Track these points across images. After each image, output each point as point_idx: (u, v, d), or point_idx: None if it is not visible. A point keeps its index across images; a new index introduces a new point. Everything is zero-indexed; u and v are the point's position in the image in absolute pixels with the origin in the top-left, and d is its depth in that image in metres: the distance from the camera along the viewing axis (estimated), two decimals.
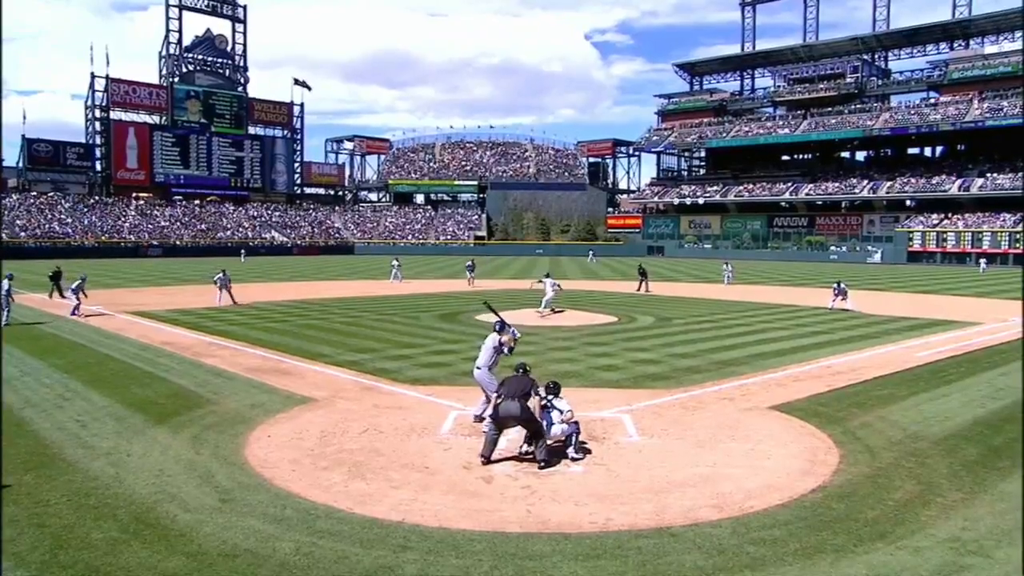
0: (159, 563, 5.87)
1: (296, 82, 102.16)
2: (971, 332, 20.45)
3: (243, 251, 75.43)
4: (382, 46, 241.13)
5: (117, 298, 28.63)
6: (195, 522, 6.68)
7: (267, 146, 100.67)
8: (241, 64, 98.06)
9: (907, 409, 11.20)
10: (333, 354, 15.92)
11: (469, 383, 11.30)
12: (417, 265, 57.74)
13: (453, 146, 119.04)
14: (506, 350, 10.29)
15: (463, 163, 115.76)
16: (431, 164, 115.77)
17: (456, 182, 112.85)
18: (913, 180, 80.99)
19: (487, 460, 8.47)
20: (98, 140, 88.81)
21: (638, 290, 34.35)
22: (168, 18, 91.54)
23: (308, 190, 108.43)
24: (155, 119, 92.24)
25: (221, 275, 26.95)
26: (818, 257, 79.48)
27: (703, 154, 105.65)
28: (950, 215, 76.32)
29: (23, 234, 72.72)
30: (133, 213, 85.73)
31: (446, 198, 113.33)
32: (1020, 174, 73.16)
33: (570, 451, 8.71)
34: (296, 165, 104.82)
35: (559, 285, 25.26)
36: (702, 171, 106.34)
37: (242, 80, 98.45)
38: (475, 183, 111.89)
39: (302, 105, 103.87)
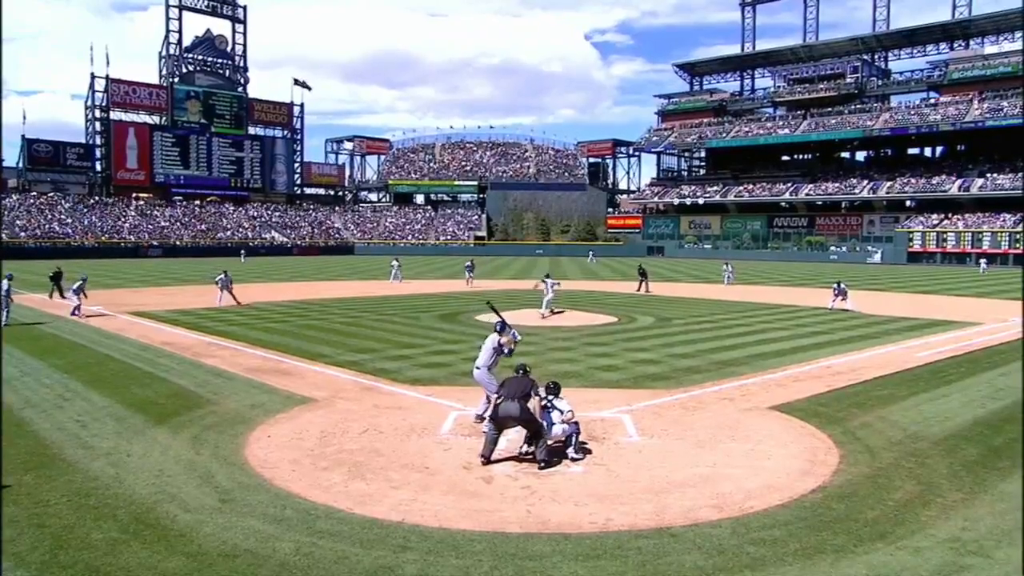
0: (159, 563, 5.87)
1: (296, 82, 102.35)
2: (971, 332, 20.45)
3: (243, 251, 75.45)
4: (382, 46, 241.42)
5: (117, 298, 28.63)
6: (195, 522, 6.68)
7: (267, 146, 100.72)
8: (241, 64, 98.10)
9: (907, 409, 11.20)
10: (333, 354, 15.92)
11: (469, 383, 11.30)
12: (417, 265, 57.75)
13: (453, 146, 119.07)
14: (506, 351, 10.29)
15: (463, 163, 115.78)
16: (431, 164, 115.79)
17: (456, 182, 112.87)
18: (913, 180, 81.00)
19: (487, 460, 8.47)
20: (98, 140, 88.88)
21: (638, 290, 34.35)
22: (168, 18, 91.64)
23: (308, 190, 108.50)
24: (155, 119, 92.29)
25: (222, 276, 26.97)
26: (818, 257, 79.49)
27: (703, 154, 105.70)
28: (950, 215, 76.34)
29: (23, 234, 72.73)
30: (133, 213, 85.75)
31: (446, 198, 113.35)
32: (1020, 174, 73.17)
33: (570, 451, 8.71)
34: (296, 165, 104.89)
35: (558, 284, 25.27)
36: (702, 171, 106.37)
37: (242, 80, 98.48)
38: (475, 183, 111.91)
39: (302, 105, 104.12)
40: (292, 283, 40.19)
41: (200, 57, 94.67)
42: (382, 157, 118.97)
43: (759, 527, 6.68)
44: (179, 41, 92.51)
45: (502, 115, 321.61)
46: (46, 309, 24.52)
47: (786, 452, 9.03)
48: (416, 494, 7.49)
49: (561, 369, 14.02)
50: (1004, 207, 72.76)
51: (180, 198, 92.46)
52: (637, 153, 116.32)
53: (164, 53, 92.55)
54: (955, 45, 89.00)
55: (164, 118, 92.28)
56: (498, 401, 8.60)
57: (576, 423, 8.85)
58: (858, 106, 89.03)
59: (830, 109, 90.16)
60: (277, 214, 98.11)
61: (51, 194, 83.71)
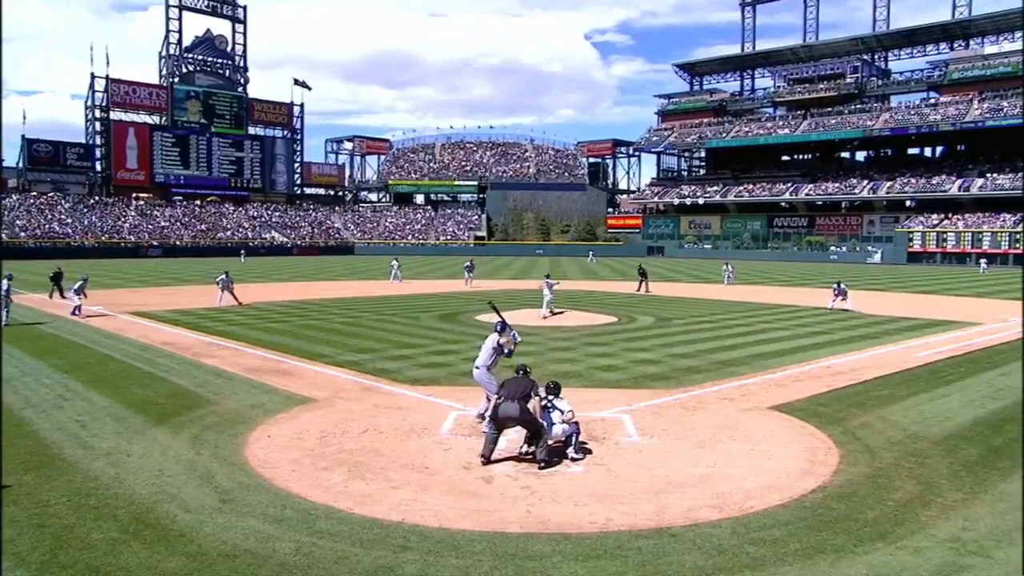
0: (159, 563, 5.87)
1: (296, 82, 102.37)
2: (971, 332, 20.44)
3: (243, 251, 75.48)
4: (382, 46, 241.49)
5: (117, 298, 28.63)
6: (195, 522, 6.68)
7: (267, 146, 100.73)
8: (241, 64, 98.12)
9: (907, 409, 11.20)
10: (333, 354, 15.92)
11: (469, 383, 11.30)
12: (417, 265, 57.75)
13: (453, 146, 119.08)
14: (506, 351, 10.29)
15: (463, 163, 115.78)
16: (431, 164, 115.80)
17: (456, 182, 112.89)
18: (913, 180, 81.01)
19: (487, 460, 8.47)
20: (98, 140, 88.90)
21: (638, 290, 34.35)
22: (168, 18, 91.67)
23: (308, 190, 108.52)
24: (155, 119, 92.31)
25: (224, 276, 26.97)
26: (818, 257, 79.50)
27: (703, 154, 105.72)
28: (950, 215, 76.35)
29: (23, 234, 72.73)
30: (133, 213, 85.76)
31: (446, 198, 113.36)
32: (1020, 174, 73.18)
33: (570, 451, 8.71)
34: (296, 165, 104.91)
35: (556, 284, 25.23)
36: (702, 171, 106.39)
37: (242, 80, 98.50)
38: (475, 183, 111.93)
39: (302, 105, 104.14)
40: (292, 283, 40.19)
41: (200, 57, 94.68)
42: (382, 157, 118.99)
43: (759, 527, 6.68)
44: (179, 41, 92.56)
45: (502, 115, 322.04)
46: (46, 309, 24.52)
47: (786, 452, 9.03)
48: (416, 494, 7.49)
49: (561, 369, 14.02)
50: (1004, 207, 72.76)
51: (180, 198, 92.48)
52: (637, 153, 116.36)
53: (164, 53, 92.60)
54: (955, 45, 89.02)
55: (164, 118, 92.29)
56: (498, 402, 8.60)
57: (576, 423, 8.85)
58: (858, 106, 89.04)
59: (830, 109, 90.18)
60: (277, 214, 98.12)
61: (51, 194, 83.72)
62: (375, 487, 7.71)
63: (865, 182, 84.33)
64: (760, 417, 10.79)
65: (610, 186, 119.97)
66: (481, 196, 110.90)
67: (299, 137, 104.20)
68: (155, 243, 79.60)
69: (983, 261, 63.57)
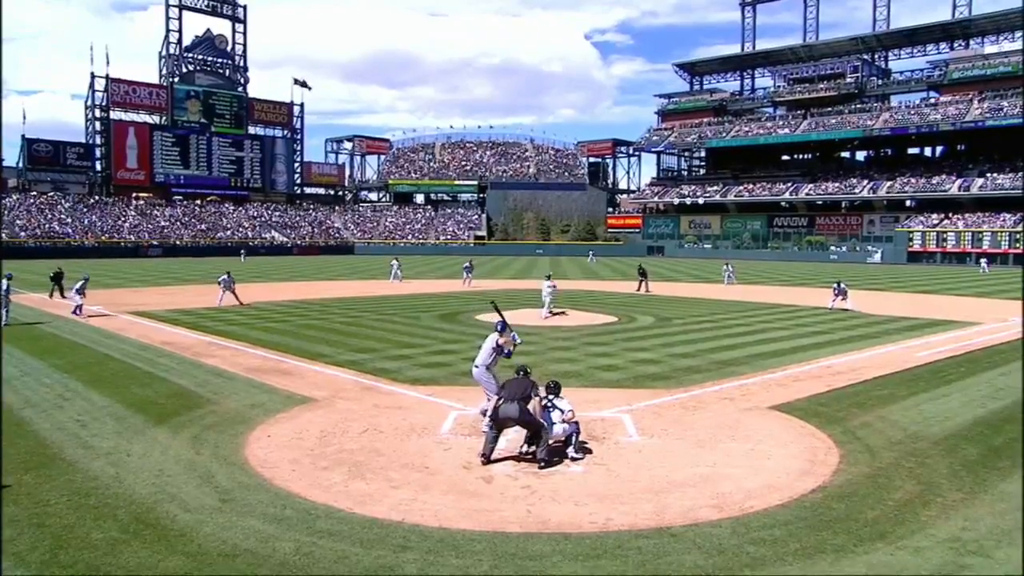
0: (159, 563, 5.87)
1: (296, 82, 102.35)
2: (971, 332, 20.44)
3: (243, 251, 75.48)
4: (382, 46, 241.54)
5: (117, 298, 28.63)
6: (195, 522, 6.68)
7: (267, 146, 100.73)
8: (241, 64, 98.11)
9: (907, 409, 11.20)
10: (333, 354, 15.92)
11: (469, 383, 11.30)
12: (417, 265, 57.75)
13: (453, 146, 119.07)
14: (505, 351, 10.29)
15: (463, 163, 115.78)
16: (431, 164, 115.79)
17: (456, 182, 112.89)
18: (913, 180, 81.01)
19: (487, 460, 8.47)
20: (98, 140, 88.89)
21: (638, 290, 34.35)
22: (168, 18, 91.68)
23: (308, 190, 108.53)
24: (155, 119, 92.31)
25: (225, 277, 26.96)
26: (818, 257, 79.50)
27: (703, 154, 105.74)
28: (950, 215, 76.35)
29: (23, 234, 72.73)
30: (133, 213, 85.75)
31: (446, 198, 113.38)
32: (1020, 174, 73.19)
33: (570, 451, 8.71)
34: (296, 165, 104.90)
35: (554, 286, 25.05)
36: (702, 171, 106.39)
37: (242, 80, 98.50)
38: (475, 183, 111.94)
39: (302, 105, 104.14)
40: (292, 283, 40.18)
41: (200, 57, 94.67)
42: (382, 157, 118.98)
43: (759, 527, 6.67)
44: (179, 41, 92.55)
45: (502, 115, 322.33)
46: (46, 309, 24.52)
47: (786, 452, 9.03)
48: (416, 494, 7.49)
49: (561, 369, 14.02)
50: (1004, 207, 72.77)
51: (180, 198, 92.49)
52: (637, 153, 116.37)
53: (164, 53, 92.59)
54: (955, 45, 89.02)
55: (164, 118, 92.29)
56: (498, 403, 8.61)
57: (576, 423, 8.85)
58: (858, 106, 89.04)
59: (830, 109, 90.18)
60: (277, 214, 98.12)
61: (51, 194, 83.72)
62: (375, 487, 7.71)
63: (865, 182, 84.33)
64: (760, 417, 10.79)
65: (610, 186, 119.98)
66: (481, 196, 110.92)
67: (299, 137, 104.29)
68: (155, 243, 79.60)
69: (984, 261, 63.49)
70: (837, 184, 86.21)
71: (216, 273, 28.11)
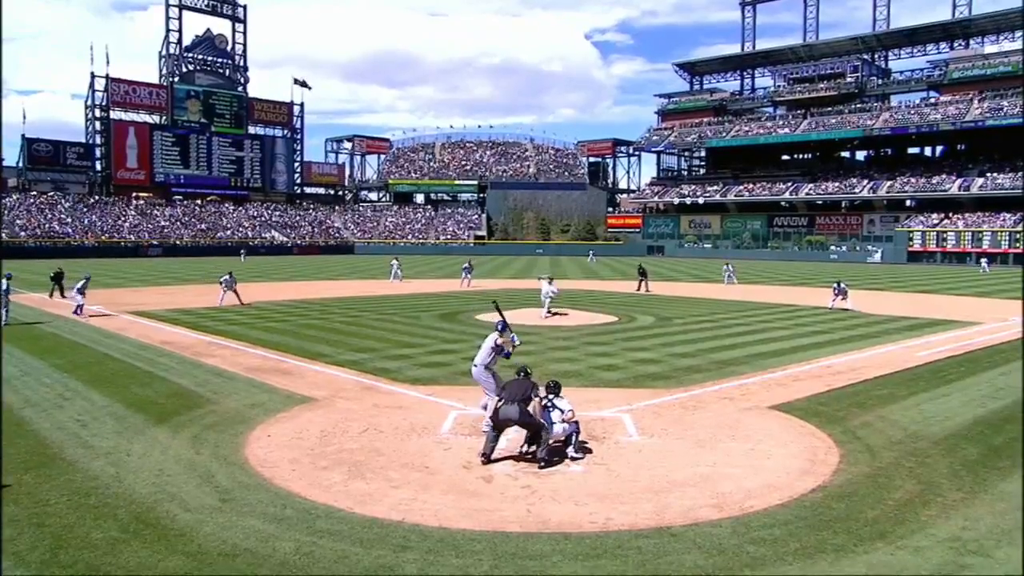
0: (159, 563, 5.87)
1: (296, 82, 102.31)
2: (971, 332, 20.44)
3: (243, 251, 75.44)
4: (382, 46, 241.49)
5: (117, 298, 28.63)
6: (195, 522, 6.68)
7: (267, 146, 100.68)
8: (241, 64, 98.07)
9: (907, 409, 11.20)
10: (333, 354, 15.92)
11: (469, 383, 11.29)
12: (417, 265, 57.74)
13: (453, 146, 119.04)
14: (504, 352, 10.28)
15: (463, 163, 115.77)
16: (431, 164, 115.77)
17: (456, 182, 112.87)
18: (913, 180, 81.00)
19: (487, 460, 8.47)
20: (98, 140, 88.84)
21: (638, 290, 34.35)
22: (168, 18, 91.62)
23: (308, 190, 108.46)
24: (155, 119, 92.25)
25: (227, 277, 26.95)
26: (818, 257, 79.49)
27: (703, 154, 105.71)
28: (950, 215, 76.34)
29: (23, 234, 72.71)
30: (133, 213, 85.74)
31: (446, 198, 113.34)
32: (1020, 174, 73.17)
33: (570, 451, 8.71)
34: (296, 165, 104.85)
35: (554, 291, 24.95)
36: (702, 171, 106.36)
37: (242, 80, 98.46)
38: (475, 183, 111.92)
39: (302, 105, 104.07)
40: (292, 282, 40.17)
41: (200, 56, 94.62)
42: (382, 156, 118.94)
43: (759, 526, 6.67)
44: (179, 40, 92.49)
45: (502, 115, 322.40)
46: (46, 308, 24.52)
47: (786, 452, 9.02)
48: (416, 493, 7.49)
49: (561, 368, 14.02)
50: (1004, 207, 72.76)
51: (180, 197, 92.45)
52: (637, 153, 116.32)
53: (164, 52, 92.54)
54: (955, 44, 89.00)
55: (164, 118, 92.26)
56: (499, 405, 8.61)
57: (576, 422, 8.85)
58: (858, 105, 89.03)
59: (830, 108, 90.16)
60: (277, 214, 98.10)
61: (51, 193, 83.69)
62: (375, 486, 7.71)
63: (865, 181, 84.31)
64: (760, 416, 10.79)
65: (610, 185, 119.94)
66: (481, 196, 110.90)
67: (299, 137, 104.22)
68: (155, 242, 79.58)
69: (984, 261, 63.42)
70: (837, 184, 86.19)
71: (216, 273, 28.12)
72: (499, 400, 8.69)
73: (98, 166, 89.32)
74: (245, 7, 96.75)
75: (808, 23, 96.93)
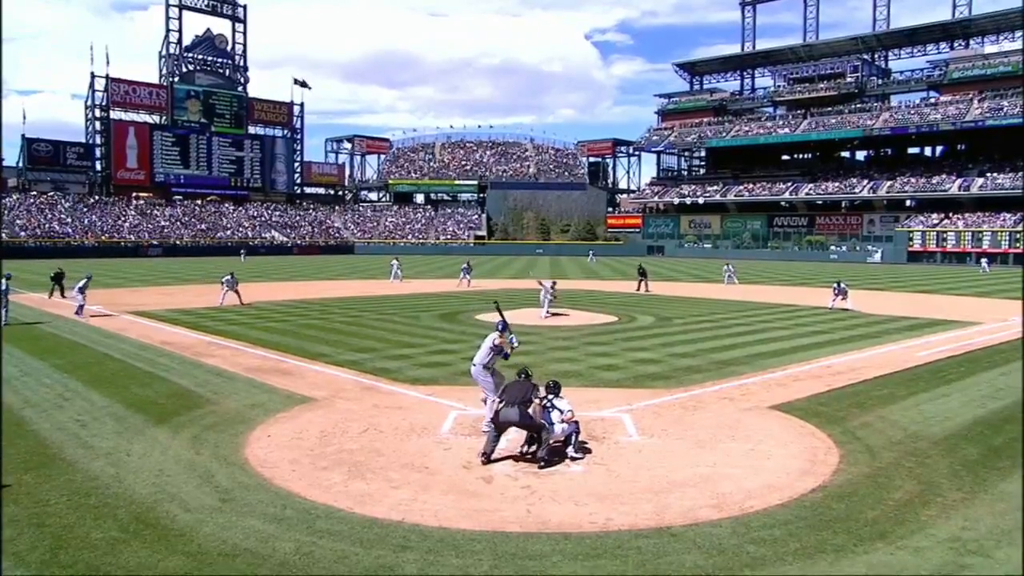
0: (159, 563, 5.87)
1: (296, 82, 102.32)
2: (971, 332, 20.44)
3: (243, 251, 75.45)
4: (382, 46, 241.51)
5: (117, 298, 28.62)
6: (195, 522, 6.68)
7: (267, 146, 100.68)
8: (241, 64, 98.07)
9: (907, 409, 11.20)
10: (333, 354, 15.92)
11: (469, 383, 11.28)
12: (417, 265, 57.74)
13: (453, 146, 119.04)
14: (503, 352, 10.27)
15: (463, 163, 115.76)
16: (431, 164, 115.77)
17: (456, 182, 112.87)
18: (913, 180, 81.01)
19: (487, 460, 8.47)
20: (98, 140, 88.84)
21: (638, 290, 34.35)
22: (168, 18, 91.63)
23: (308, 190, 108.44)
24: (155, 119, 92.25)
25: (228, 277, 26.94)
26: (818, 257, 79.50)
27: (703, 154, 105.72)
28: (950, 215, 76.34)
29: (23, 234, 72.71)
30: (133, 213, 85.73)
31: (446, 198, 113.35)
32: (1020, 174, 73.18)
33: (570, 451, 8.71)
34: (296, 165, 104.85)
35: (552, 293, 24.93)
36: (702, 171, 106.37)
37: (242, 80, 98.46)
38: (475, 183, 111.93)
39: (302, 105, 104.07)
40: (292, 282, 40.17)
41: (200, 56, 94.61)
42: (382, 157, 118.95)
43: (759, 527, 6.68)
44: (179, 40, 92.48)
45: (502, 115, 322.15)
46: (46, 309, 24.51)
47: (786, 452, 9.03)
48: (416, 494, 7.49)
49: (561, 369, 14.02)
50: (1004, 207, 72.76)
51: (180, 197, 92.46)
52: (637, 153, 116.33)
53: (164, 52, 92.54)
54: (955, 44, 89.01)
55: (164, 118, 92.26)
56: (499, 407, 8.61)
57: (576, 422, 8.85)
58: (858, 105, 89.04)
59: (830, 108, 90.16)
60: (277, 213, 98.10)
61: (51, 194, 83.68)
62: (375, 487, 7.71)
63: (865, 182, 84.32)
64: (760, 417, 10.79)
65: (610, 186, 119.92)
66: (481, 196, 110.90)
67: (299, 137, 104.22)
68: (155, 243, 79.58)
69: (984, 261, 63.36)
70: (837, 184, 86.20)
71: (216, 273, 28.13)
72: (499, 402, 8.69)
73: (98, 166, 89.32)
74: (245, 7, 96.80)
75: (808, 23, 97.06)
